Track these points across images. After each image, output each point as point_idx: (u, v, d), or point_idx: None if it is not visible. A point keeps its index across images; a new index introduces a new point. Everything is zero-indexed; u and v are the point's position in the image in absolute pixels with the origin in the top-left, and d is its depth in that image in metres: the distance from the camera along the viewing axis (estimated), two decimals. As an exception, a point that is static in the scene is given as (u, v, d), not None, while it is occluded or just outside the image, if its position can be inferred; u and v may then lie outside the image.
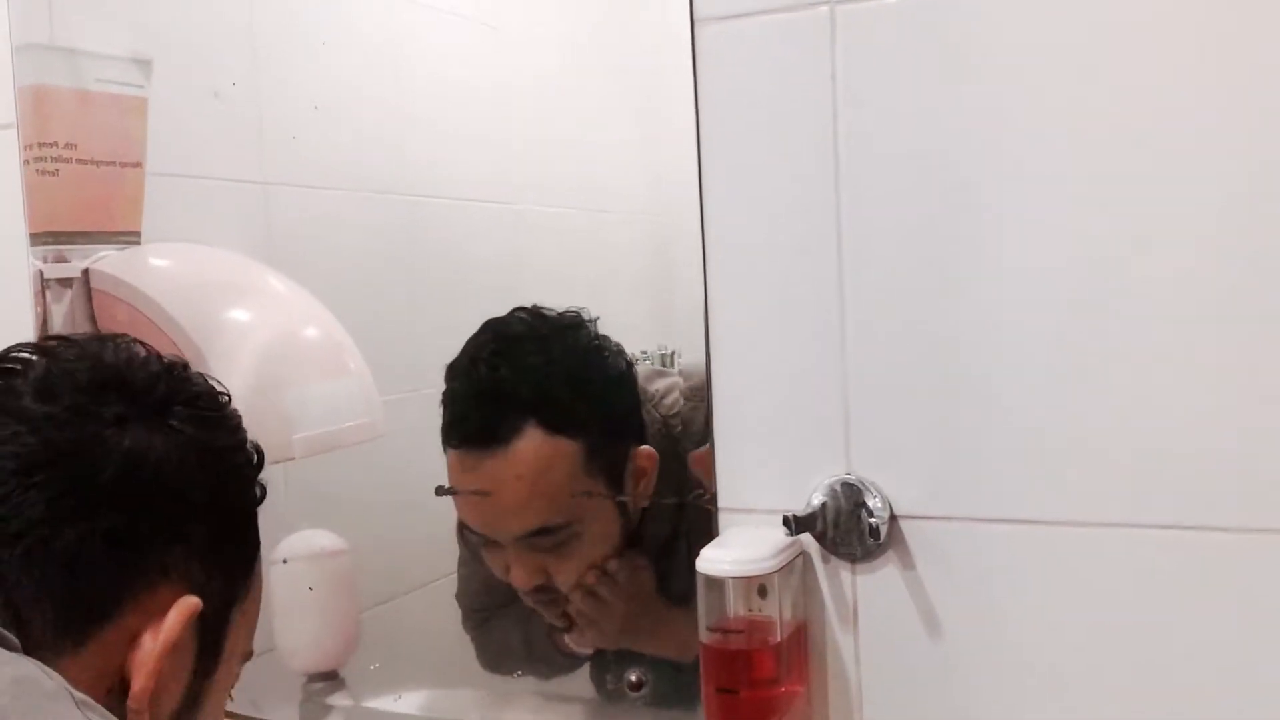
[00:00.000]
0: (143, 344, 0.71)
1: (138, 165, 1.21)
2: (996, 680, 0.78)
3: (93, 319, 1.18)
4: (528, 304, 1.03)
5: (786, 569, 0.80)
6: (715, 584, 0.80)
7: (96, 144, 1.19)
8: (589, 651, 1.07)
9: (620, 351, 1.01)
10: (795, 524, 0.79)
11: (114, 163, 1.20)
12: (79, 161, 1.18)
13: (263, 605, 1.03)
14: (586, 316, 1.01)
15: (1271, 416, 0.70)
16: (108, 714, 0.57)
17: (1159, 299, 0.72)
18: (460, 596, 1.16)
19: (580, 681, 1.08)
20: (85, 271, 1.18)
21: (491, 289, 1.06)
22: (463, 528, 1.11)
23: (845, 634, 0.82)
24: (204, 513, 0.68)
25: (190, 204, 1.23)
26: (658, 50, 0.98)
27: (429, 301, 1.21)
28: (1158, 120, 0.71)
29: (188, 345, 1.10)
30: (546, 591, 1.03)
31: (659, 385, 1.02)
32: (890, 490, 0.80)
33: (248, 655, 0.75)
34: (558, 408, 0.99)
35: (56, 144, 1.18)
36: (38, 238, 1.19)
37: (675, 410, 0.99)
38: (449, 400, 1.03)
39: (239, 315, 1.17)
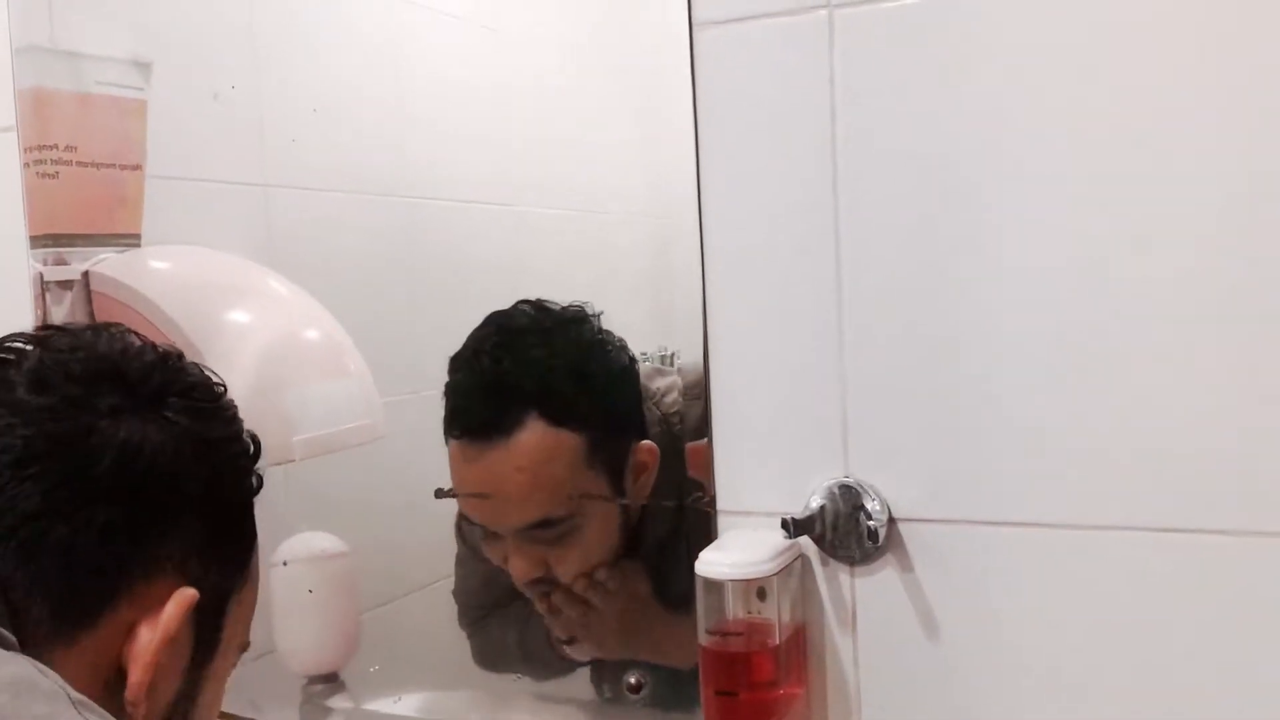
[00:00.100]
0: (137, 334, 0.71)
1: (138, 168, 1.21)
2: (995, 682, 0.78)
3: (93, 321, 1.18)
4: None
5: (785, 572, 0.80)
6: (714, 586, 0.80)
7: (96, 146, 1.19)
8: (586, 660, 1.07)
9: (623, 347, 1.01)
10: (794, 527, 0.79)
11: (114, 165, 1.20)
12: (79, 164, 1.19)
13: (263, 608, 1.03)
14: (590, 311, 1.01)
15: (1271, 418, 0.70)
16: (105, 713, 0.57)
17: (1158, 300, 0.72)
18: (457, 594, 1.16)
19: (579, 683, 1.08)
20: (85, 274, 1.18)
21: (491, 290, 1.05)
22: (461, 523, 1.11)
23: (844, 636, 0.82)
24: (200, 504, 0.68)
25: (190, 206, 1.23)
26: (657, 51, 0.98)
27: (429, 303, 1.21)
28: (1157, 121, 0.71)
29: (188, 347, 1.10)
30: (545, 584, 1.03)
31: (660, 383, 1.02)
32: (889, 493, 0.80)
33: (245, 646, 0.75)
34: (560, 400, 0.99)
35: (57, 146, 1.18)
36: (38, 240, 1.19)
37: (676, 408, 0.99)
38: (451, 391, 1.04)
39: (239, 317, 1.17)
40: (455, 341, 1.05)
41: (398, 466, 1.19)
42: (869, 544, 0.80)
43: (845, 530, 0.81)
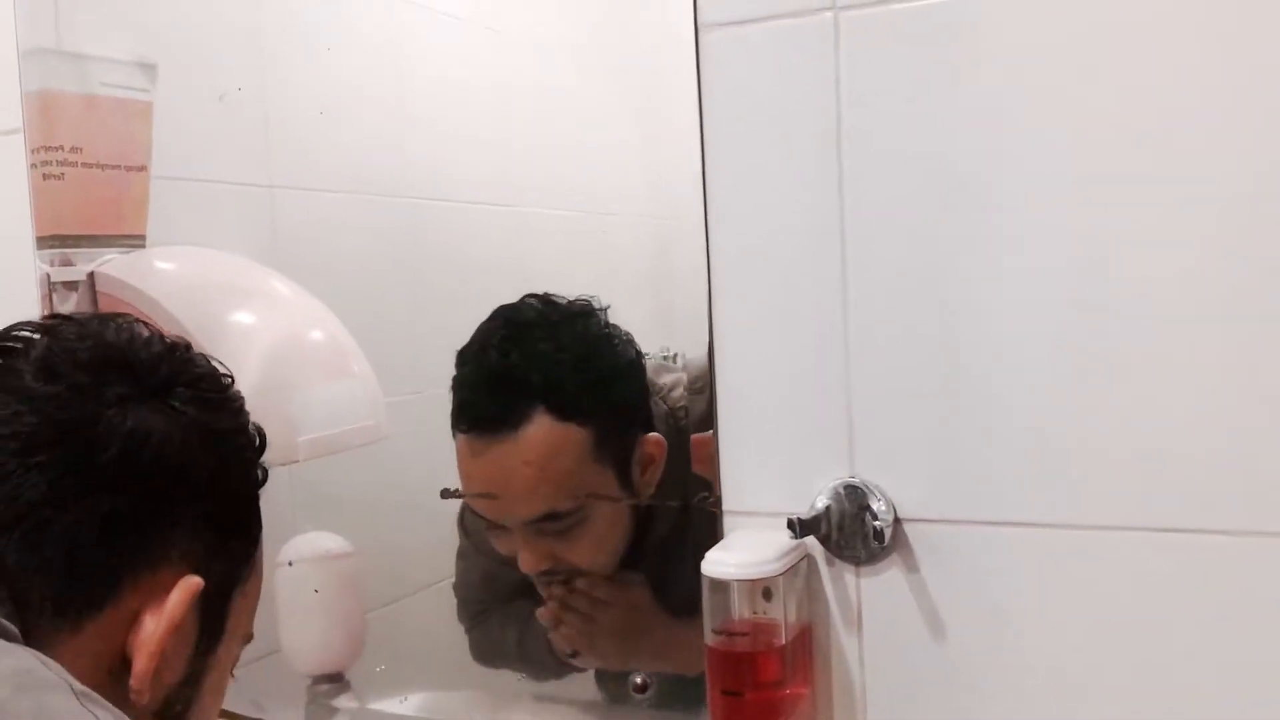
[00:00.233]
0: (145, 324, 0.71)
1: (143, 169, 1.21)
2: (1000, 682, 0.78)
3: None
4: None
5: (791, 572, 0.81)
6: (720, 586, 0.80)
7: (102, 148, 1.19)
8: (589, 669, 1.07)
9: (630, 340, 1.01)
10: (800, 527, 0.79)
11: (119, 166, 1.20)
12: (85, 165, 1.19)
13: (268, 608, 1.03)
14: (597, 305, 1.01)
15: (1273, 418, 0.70)
16: (108, 704, 0.57)
17: (1161, 301, 0.72)
18: (458, 588, 1.16)
19: (584, 683, 1.08)
20: (91, 274, 1.18)
21: (494, 290, 1.06)
22: (465, 516, 1.11)
23: (849, 636, 0.83)
24: (206, 494, 0.68)
25: (195, 207, 1.24)
26: (659, 52, 0.98)
27: (432, 303, 1.21)
28: (1159, 122, 0.72)
29: (192, 348, 1.11)
30: (553, 575, 1.03)
31: (666, 379, 1.02)
32: (894, 493, 0.80)
33: (248, 637, 0.75)
34: (567, 394, 1.00)
35: (62, 148, 1.18)
36: (44, 241, 1.20)
37: (683, 403, 1.00)
38: (458, 385, 1.04)
39: (243, 318, 1.17)
40: (458, 342, 1.05)
41: (402, 467, 1.19)
42: (874, 544, 0.80)
43: (851, 530, 0.81)
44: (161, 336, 0.71)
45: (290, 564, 1.12)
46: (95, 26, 1.21)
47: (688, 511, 0.95)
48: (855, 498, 0.81)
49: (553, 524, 1.00)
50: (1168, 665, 0.74)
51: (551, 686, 1.10)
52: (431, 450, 1.18)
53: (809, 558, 0.83)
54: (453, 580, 1.17)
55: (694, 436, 0.93)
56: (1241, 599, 0.72)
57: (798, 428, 0.83)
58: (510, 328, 1.03)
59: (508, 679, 1.13)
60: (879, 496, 0.80)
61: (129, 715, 0.62)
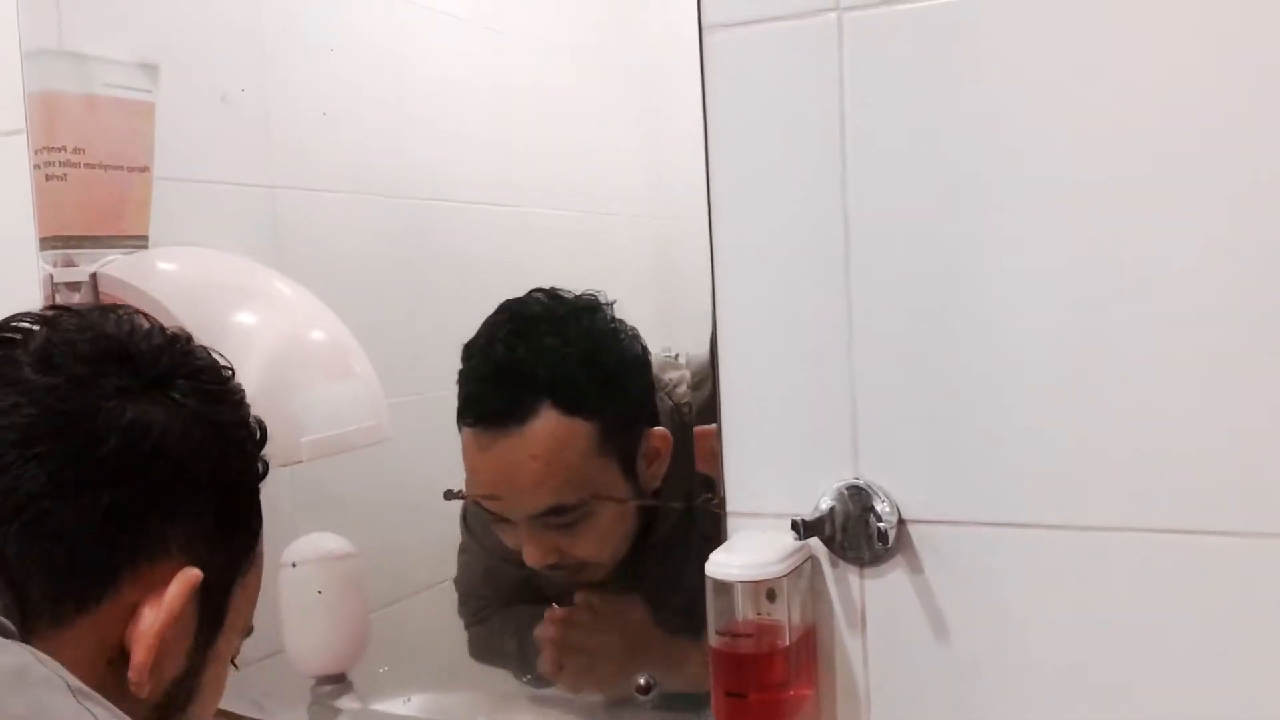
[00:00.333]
0: (146, 316, 0.71)
1: (145, 169, 1.21)
2: (1004, 683, 0.78)
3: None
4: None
5: (795, 573, 0.81)
6: (724, 588, 0.80)
7: (104, 148, 1.19)
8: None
9: (636, 336, 1.01)
10: (804, 528, 0.79)
11: (122, 167, 1.20)
12: (87, 166, 1.19)
13: (271, 609, 1.03)
14: (603, 300, 1.01)
15: (1276, 418, 0.70)
16: (105, 701, 0.57)
17: (1164, 301, 0.72)
18: (459, 583, 1.16)
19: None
20: (93, 275, 1.18)
21: (496, 291, 1.06)
22: (467, 512, 1.11)
23: (853, 638, 0.83)
24: (206, 487, 0.67)
25: (197, 208, 1.24)
26: (661, 52, 0.98)
27: (434, 304, 1.22)
28: (1160, 122, 0.72)
29: (194, 348, 1.10)
30: (560, 570, 1.03)
31: (671, 375, 1.03)
32: (898, 494, 0.80)
33: (248, 629, 0.74)
34: (573, 388, 1.00)
35: (65, 149, 1.18)
36: (47, 242, 1.20)
37: (688, 399, 1.00)
38: (465, 379, 1.04)
39: (245, 318, 1.17)
40: (460, 342, 1.05)
41: (404, 467, 1.19)
42: (878, 545, 0.80)
43: (855, 532, 0.81)
44: (162, 328, 0.70)
45: (293, 565, 1.12)
46: (97, 27, 1.21)
47: (691, 510, 0.95)
48: (859, 499, 0.81)
49: (558, 518, 1.01)
50: (1170, 666, 0.74)
51: (553, 688, 1.10)
52: (434, 450, 1.18)
53: (813, 559, 0.83)
54: (454, 579, 1.17)
55: (697, 429, 0.94)
56: (1244, 600, 0.72)
57: (801, 429, 0.83)
58: (517, 322, 1.03)
59: (510, 680, 1.13)
60: (883, 498, 0.80)
61: (129, 707, 0.62)
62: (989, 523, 0.78)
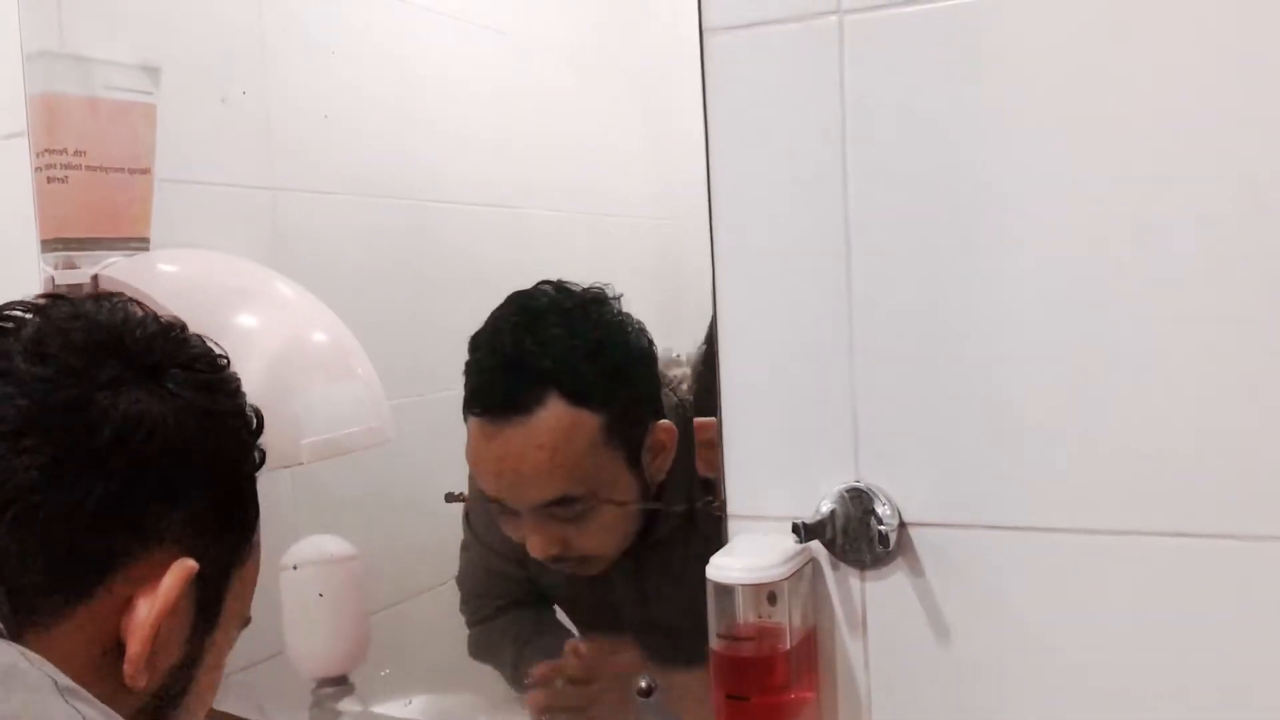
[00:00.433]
0: (140, 305, 0.69)
1: (146, 171, 1.21)
2: (1006, 688, 0.78)
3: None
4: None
5: (796, 576, 0.81)
6: (725, 591, 0.80)
7: (106, 150, 1.19)
8: None
9: (642, 329, 1.02)
10: (805, 531, 0.79)
11: (123, 169, 1.20)
12: (88, 168, 1.19)
13: (273, 611, 1.03)
14: (610, 294, 1.01)
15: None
16: (94, 700, 0.56)
17: (1169, 304, 0.72)
18: (461, 581, 1.17)
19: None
20: (94, 277, 1.18)
21: (497, 292, 1.06)
22: (468, 513, 1.11)
23: (854, 641, 0.83)
24: (201, 477, 0.67)
25: (198, 209, 1.24)
26: (661, 53, 0.99)
27: (435, 305, 1.22)
28: (1162, 123, 0.71)
29: (196, 351, 1.10)
30: (563, 562, 1.03)
31: (676, 372, 1.03)
32: (899, 497, 0.80)
33: (246, 620, 0.74)
34: (580, 378, 1.00)
35: (66, 151, 1.18)
36: (48, 244, 1.20)
37: (692, 395, 1.00)
38: (472, 369, 1.04)
39: (247, 320, 1.17)
40: (461, 343, 1.05)
41: (406, 469, 1.19)
42: (880, 548, 0.80)
43: (856, 535, 0.81)
44: (156, 317, 0.69)
45: (295, 567, 1.12)
46: (98, 29, 1.22)
47: (692, 512, 0.95)
48: (860, 502, 0.81)
49: (563, 509, 1.01)
50: (1173, 669, 0.74)
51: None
52: (435, 452, 1.19)
53: (814, 562, 0.83)
54: (456, 576, 1.18)
55: (697, 421, 0.94)
56: (1246, 603, 0.72)
57: (803, 432, 0.83)
58: (524, 314, 1.03)
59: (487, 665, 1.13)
60: (884, 501, 0.80)
61: (125, 698, 0.63)
62: (990, 526, 0.78)
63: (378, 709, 1.13)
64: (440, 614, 1.19)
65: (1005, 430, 0.77)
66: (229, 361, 0.72)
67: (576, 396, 0.99)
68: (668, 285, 1.03)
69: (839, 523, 0.81)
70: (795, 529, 0.79)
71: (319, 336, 1.19)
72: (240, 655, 1.16)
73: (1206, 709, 0.73)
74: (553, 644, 1.11)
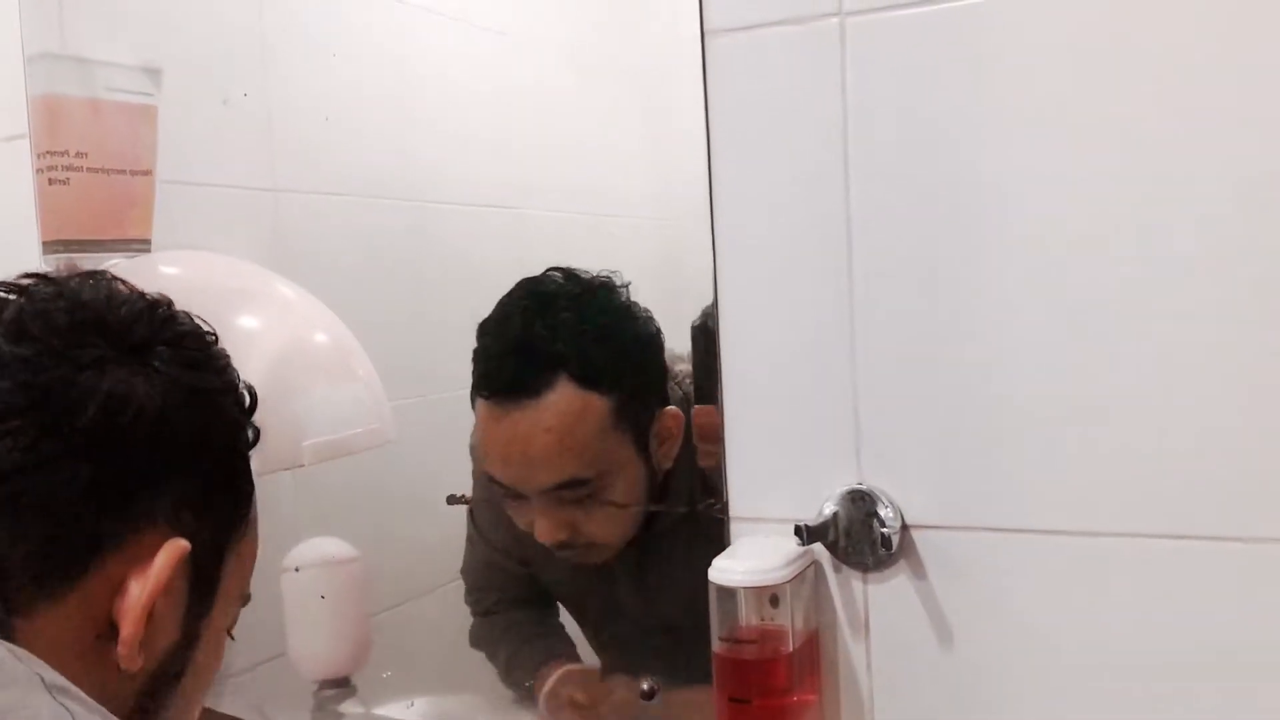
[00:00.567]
0: (125, 282, 0.68)
1: (148, 173, 1.21)
2: (1009, 690, 0.78)
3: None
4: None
5: (798, 578, 0.80)
6: (727, 594, 0.80)
7: (107, 152, 1.20)
8: None
9: (650, 317, 1.02)
10: (807, 534, 0.79)
11: (124, 171, 1.20)
12: (90, 170, 1.19)
13: (275, 613, 1.03)
14: (618, 281, 1.02)
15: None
16: (81, 695, 0.56)
17: (1172, 306, 0.72)
18: (464, 573, 1.18)
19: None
20: (94, 275, 1.18)
21: (498, 292, 1.06)
22: (473, 512, 1.11)
23: (857, 643, 0.83)
24: (190, 456, 0.65)
25: (199, 211, 1.24)
26: (663, 54, 0.99)
27: (436, 306, 1.22)
28: (1164, 123, 0.71)
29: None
30: (569, 549, 1.03)
31: (681, 367, 1.03)
32: (902, 500, 0.80)
33: (246, 598, 0.73)
34: (590, 362, 1.00)
35: (68, 153, 1.18)
36: (50, 246, 1.20)
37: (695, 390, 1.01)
38: (481, 353, 1.05)
39: (248, 322, 1.17)
40: (462, 344, 1.05)
41: (407, 470, 1.19)
42: (882, 551, 0.80)
43: (859, 537, 0.81)
44: (142, 294, 0.68)
45: (296, 569, 1.12)
46: (100, 31, 1.22)
47: (695, 514, 0.95)
48: (863, 504, 0.81)
49: (571, 492, 1.01)
50: (1177, 672, 0.74)
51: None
52: (437, 453, 1.19)
53: (816, 564, 0.83)
54: (458, 583, 1.18)
55: (696, 408, 0.94)
56: (1249, 605, 0.72)
57: (805, 434, 0.83)
58: (534, 298, 1.04)
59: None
60: (887, 503, 0.80)
61: (120, 681, 0.62)
62: (993, 528, 0.78)
63: (379, 711, 1.13)
64: (442, 615, 1.19)
65: (1007, 432, 0.77)
66: (217, 338, 0.70)
67: (586, 380, 1.00)
68: (668, 285, 1.03)
69: (841, 525, 0.81)
70: (798, 531, 0.79)
71: (320, 337, 1.19)
72: (242, 657, 1.18)
73: (1209, 711, 0.73)
74: (548, 648, 1.12)
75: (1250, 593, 0.71)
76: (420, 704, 1.11)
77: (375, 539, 1.16)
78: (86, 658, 0.61)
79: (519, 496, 1.04)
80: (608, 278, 1.02)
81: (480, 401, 1.04)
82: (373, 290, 1.22)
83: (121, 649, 0.61)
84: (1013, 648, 0.78)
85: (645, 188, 1.07)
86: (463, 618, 1.16)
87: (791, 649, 0.80)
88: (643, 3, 1.10)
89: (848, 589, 0.83)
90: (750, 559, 0.81)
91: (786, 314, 0.83)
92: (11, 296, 0.64)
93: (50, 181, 1.18)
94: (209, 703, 1.13)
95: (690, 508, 0.95)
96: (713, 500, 0.88)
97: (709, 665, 0.81)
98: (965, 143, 0.76)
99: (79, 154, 1.18)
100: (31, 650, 0.58)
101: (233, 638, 0.73)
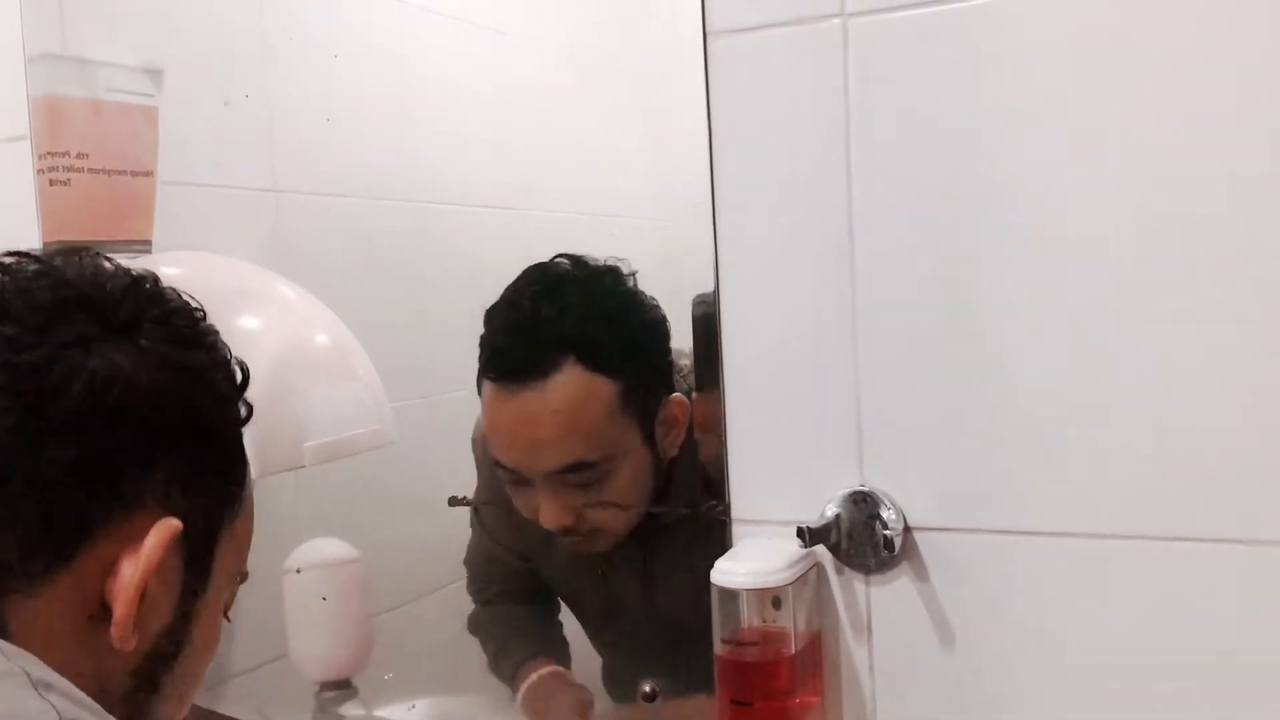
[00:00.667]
0: (110, 259, 0.67)
1: (149, 174, 1.21)
2: (1011, 692, 0.78)
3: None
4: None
5: (800, 581, 0.81)
6: (730, 596, 0.80)
7: (108, 153, 1.20)
8: None
9: (656, 305, 1.02)
10: (809, 536, 0.79)
11: (125, 172, 1.20)
12: (91, 171, 1.19)
13: (276, 614, 1.03)
14: (626, 269, 1.02)
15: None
16: (69, 689, 0.55)
17: (1176, 306, 0.72)
18: (467, 562, 1.18)
19: (593, 690, 1.08)
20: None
21: (499, 293, 1.06)
22: (477, 511, 1.11)
23: (859, 645, 0.83)
24: (179, 434, 0.64)
25: (200, 212, 1.24)
26: (663, 54, 0.98)
27: (437, 307, 1.22)
28: (1167, 123, 0.71)
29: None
30: (574, 535, 1.03)
31: (684, 362, 1.03)
32: (904, 501, 0.80)
33: (243, 576, 0.72)
34: (598, 345, 1.01)
35: (69, 153, 1.18)
36: (50, 246, 1.19)
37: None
38: (489, 336, 1.05)
39: (249, 322, 1.17)
40: (464, 345, 1.05)
41: (408, 471, 1.19)
42: (884, 553, 0.80)
43: (861, 539, 0.81)
44: (127, 271, 0.67)
45: (298, 571, 1.12)
46: (101, 32, 1.21)
47: (697, 516, 0.95)
48: (865, 506, 0.81)
49: (577, 476, 1.01)
50: (1180, 674, 0.74)
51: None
52: (438, 454, 1.19)
53: (818, 566, 0.83)
54: (459, 584, 1.18)
55: (696, 396, 0.94)
56: (1254, 608, 0.72)
57: (807, 436, 0.83)
58: (542, 282, 1.04)
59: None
60: (889, 505, 0.80)
61: (115, 662, 0.62)
62: (995, 530, 0.78)
63: (380, 713, 1.13)
64: (444, 617, 1.19)
65: (1009, 433, 0.77)
66: (205, 315, 0.69)
67: (594, 362, 1.00)
68: (669, 285, 1.03)
69: (844, 527, 0.81)
70: (800, 533, 0.79)
71: (320, 338, 1.19)
72: (243, 659, 1.17)
73: (1210, 712, 0.73)
74: (536, 645, 1.12)
75: (1251, 594, 0.72)
76: (421, 705, 1.11)
77: (376, 540, 1.16)
78: (81, 639, 0.60)
79: (524, 481, 1.04)
80: (615, 265, 1.03)
81: (487, 384, 1.04)
82: (373, 291, 1.22)
83: (115, 629, 0.61)
84: (1014, 649, 0.78)
85: (646, 188, 1.07)
86: (464, 620, 1.16)
87: (794, 651, 0.80)
88: (643, 3, 1.10)
89: (850, 591, 0.83)
90: (752, 561, 0.81)
91: (788, 315, 0.83)
92: None
93: (51, 182, 1.18)
94: (209, 704, 1.13)
95: (692, 509, 0.95)
96: (715, 502, 0.88)
97: (711, 667, 0.82)
98: (967, 143, 0.76)
99: (80, 155, 1.18)
100: (25, 633, 0.58)
101: (229, 619, 0.72)
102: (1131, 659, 0.75)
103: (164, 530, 0.62)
